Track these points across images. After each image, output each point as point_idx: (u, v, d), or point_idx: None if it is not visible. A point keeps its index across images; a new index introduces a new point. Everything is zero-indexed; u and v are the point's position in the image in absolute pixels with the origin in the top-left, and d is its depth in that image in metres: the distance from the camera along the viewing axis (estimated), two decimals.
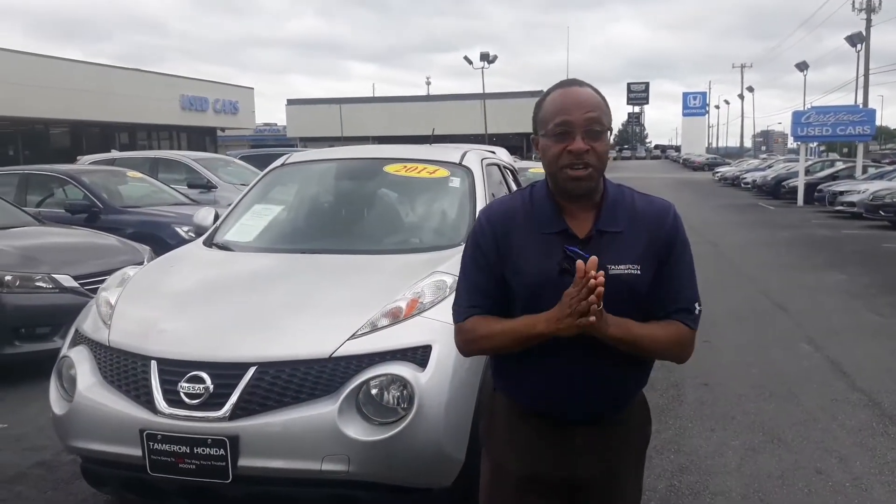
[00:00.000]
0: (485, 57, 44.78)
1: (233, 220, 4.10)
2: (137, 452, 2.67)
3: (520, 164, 17.82)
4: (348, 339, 2.74)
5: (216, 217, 4.24)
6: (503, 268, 1.70)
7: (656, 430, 4.34)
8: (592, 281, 1.50)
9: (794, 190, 23.70)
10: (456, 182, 4.00)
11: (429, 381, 2.66)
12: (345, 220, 4.09)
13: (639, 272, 1.66)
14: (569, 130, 1.63)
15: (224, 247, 3.85)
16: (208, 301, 3.16)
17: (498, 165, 4.83)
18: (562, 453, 1.75)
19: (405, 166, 4.14)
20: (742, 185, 32.52)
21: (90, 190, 8.74)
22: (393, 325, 2.82)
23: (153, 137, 36.24)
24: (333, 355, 2.69)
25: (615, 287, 1.59)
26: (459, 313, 1.75)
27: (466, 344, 1.76)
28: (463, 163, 4.14)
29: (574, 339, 1.61)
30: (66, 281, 5.47)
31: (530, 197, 1.75)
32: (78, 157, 13.54)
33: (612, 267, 1.62)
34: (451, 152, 4.35)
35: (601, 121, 1.65)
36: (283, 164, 4.47)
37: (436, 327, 2.76)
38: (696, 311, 1.75)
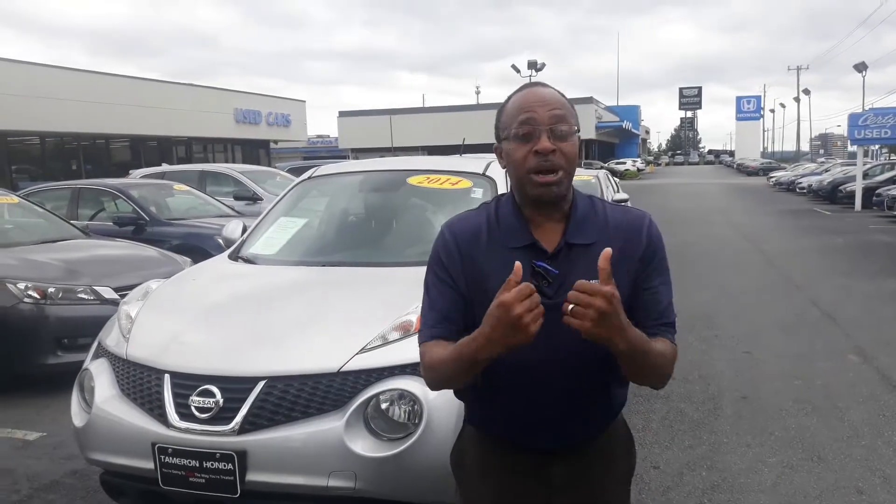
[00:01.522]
0: (532, 65, 44.59)
1: (259, 233, 4.14)
2: (150, 465, 2.70)
3: None
4: (357, 353, 2.72)
5: (244, 230, 4.29)
6: (468, 288, 1.57)
7: (688, 446, 4.24)
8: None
9: (852, 194, 22.92)
10: (479, 193, 3.96)
11: (438, 397, 2.61)
12: (367, 233, 4.10)
13: None
14: (533, 129, 1.52)
15: (248, 260, 3.89)
16: (225, 315, 3.18)
17: None
18: (538, 487, 1.64)
19: (428, 178, 4.12)
20: (797, 189, 31.63)
21: (137, 203, 8.99)
22: (403, 339, 2.79)
23: (208, 150, 37.13)
24: (342, 370, 2.67)
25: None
26: (421, 335, 1.62)
27: (428, 375, 1.59)
28: (486, 173, 4.10)
29: (543, 360, 1.52)
30: (107, 293, 5.60)
31: (496, 210, 1.63)
32: (130, 171, 13.95)
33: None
34: (475, 163, 4.32)
35: (567, 120, 1.54)
36: (310, 177, 4.51)
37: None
38: (674, 324, 1.62)
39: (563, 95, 1.59)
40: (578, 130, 1.59)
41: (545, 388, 1.57)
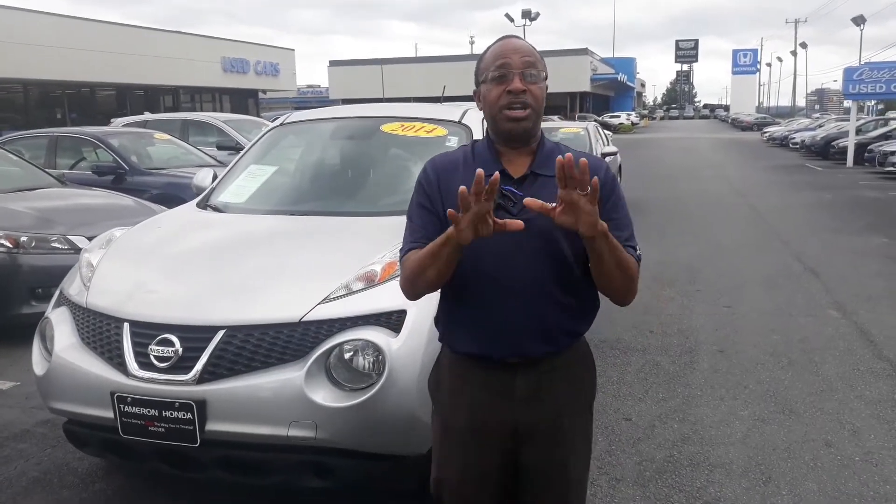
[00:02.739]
0: (526, 14, 43.93)
1: (229, 181, 4.05)
2: (110, 414, 2.67)
3: (558, 123, 17.55)
4: (319, 304, 2.67)
5: (214, 178, 4.20)
6: (444, 209, 1.70)
7: (662, 398, 4.25)
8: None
9: (844, 150, 22.75)
10: (454, 141, 3.86)
11: (401, 347, 2.59)
12: (338, 181, 4.01)
13: None
14: (507, 72, 1.73)
15: (216, 208, 3.80)
16: (188, 264, 3.12)
17: None
18: (503, 401, 1.80)
19: (402, 125, 4.02)
20: (790, 145, 31.46)
21: (117, 152, 8.83)
22: (367, 289, 2.74)
23: (196, 100, 36.58)
24: (303, 319, 2.62)
25: (549, 225, 1.60)
26: (402, 251, 1.81)
27: (405, 281, 1.78)
28: (462, 121, 4.01)
29: (505, 275, 1.71)
30: (81, 242, 5.50)
31: (472, 149, 1.86)
32: (111, 120, 13.71)
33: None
34: (451, 110, 4.21)
35: (536, 66, 1.76)
36: (282, 124, 4.39)
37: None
38: (638, 253, 1.78)
39: (535, 48, 1.81)
40: (546, 78, 1.80)
41: (505, 301, 1.74)
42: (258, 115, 24.34)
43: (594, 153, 11.77)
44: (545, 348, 1.78)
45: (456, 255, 1.62)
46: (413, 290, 1.78)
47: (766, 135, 39.94)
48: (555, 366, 1.81)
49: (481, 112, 1.85)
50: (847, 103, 26.38)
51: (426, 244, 1.69)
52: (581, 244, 1.65)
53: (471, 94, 1.93)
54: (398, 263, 2.82)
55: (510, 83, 1.72)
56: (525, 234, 1.58)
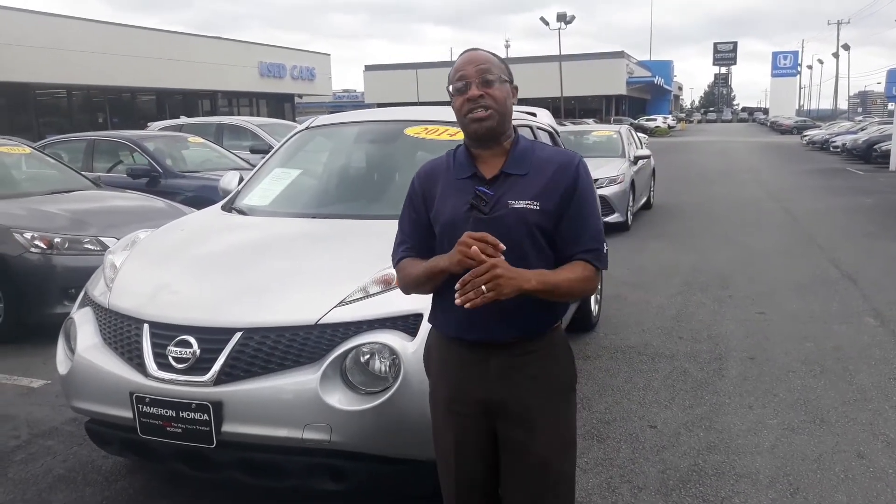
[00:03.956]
0: (561, 17, 43.62)
1: (254, 184, 4.08)
2: (129, 414, 2.70)
3: (591, 126, 17.41)
4: (336, 306, 2.67)
5: (241, 181, 4.23)
6: (429, 216, 1.98)
7: (688, 406, 4.17)
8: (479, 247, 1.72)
9: (887, 154, 22.18)
10: None
11: (417, 351, 2.56)
12: (361, 185, 4.01)
13: (537, 207, 1.86)
14: (464, 84, 1.90)
15: (241, 211, 3.83)
16: (209, 266, 3.14)
17: (531, 127, 4.64)
18: (477, 376, 1.93)
19: (426, 129, 4.00)
20: (831, 148, 30.75)
21: (151, 155, 8.98)
22: (384, 293, 2.73)
23: (233, 104, 37.14)
24: (319, 322, 2.62)
25: (516, 220, 1.85)
26: (395, 257, 2.06)
27: (402, 283, 2.04)
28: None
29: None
30: (113, 243, 5.60)
31: (454, 154, 2.02)
32: (148, 124, 13.96)
33: (513, 202, 1.86)
34: None
35: (492, 71, 1.90)
36: (307, 128, 4.42)
37: (428, 296, 2.64)
38: (602, 250, 1.93)
39: (495, 55, 1.97)
40: (510, 82, 1.96)
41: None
42: (294, 120, 24.62)
43: (627, 157, 11.65)
44: (514, 333, 1.90)
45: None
46: (412, 291, 2.04)
47: (806, 138, 39.13)
48: (527, 350, 1.92)
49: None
50: (891, 106, 25.73)
51: (415, 252, 1.99)
52: (548, 235, 1.88)
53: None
54: None
55: (468, 92, 1.89)
56: (493, 230, 1.77)
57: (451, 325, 1.95)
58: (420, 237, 2.00)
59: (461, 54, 1.99)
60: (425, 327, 2.61)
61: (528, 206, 1.85)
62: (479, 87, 1.88)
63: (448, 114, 4.34)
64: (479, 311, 1.79)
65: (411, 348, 2.57)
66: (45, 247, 5.41)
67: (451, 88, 1.94)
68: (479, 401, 1.94)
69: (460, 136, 3.98)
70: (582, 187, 1.91)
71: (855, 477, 3.34)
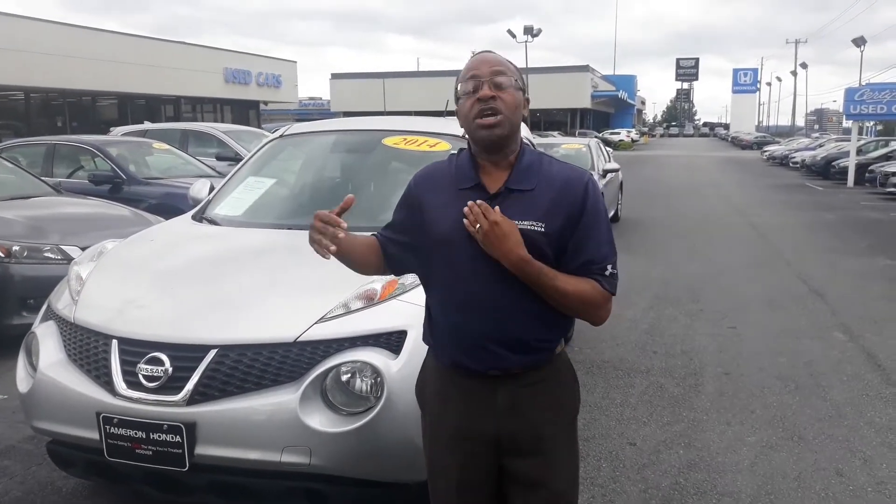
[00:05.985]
0: (528, 30, 43.94)
1: (225, 193, 3.95)
2: (95, 436, 2.55)
3: (558, 139, 17.47)
4: (316, 323, 2.56)
5: (211, 189, 4.10)
6: (421, 222, 1.84)
7: (667, 422, 4.13)
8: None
9: (845, 170, 22.69)
10: None
11: (401, 369, 2.47)
12: (337, 195, 3.87)
13: (542, 229, 1.73)
14: (477, 83, 1.76)
15: (212, 221, 3.70)
16: (180, 279, 3.01)
17: None
18: (485, 409, 1.81)
19: (405, 139, 3.92)
20: (791, 164, 31.42)
21: (114, 161, 8.73)
22: (366, 308, 2.64)
23: (197, 110, 36.55)
24: (299, 339, 2.51)
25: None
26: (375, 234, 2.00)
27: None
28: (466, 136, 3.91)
29: (474, 291, 1.74)
30: (74, 252, 5.39)
31: (456, 159, 1.89)
32: (111, 129, 13.63)
33: (518, 222, 1.71)
34: (455, 124, 4.11)
35: (506, 73, 1.78)
36: (282, 136, 4.30)
37: (413, 311, 2.54)
38: (609, 273, 1.79)
39: (510, 62, 1.84)
40: (524, 91, 1.83)
41: (475, 316, 1.76)
42: (259, 127, 24.25)
43: (596, 170, 11.69)
44: (522, 360, 1.79)
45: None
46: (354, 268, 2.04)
47: (766, 154, 39.95)
48: (535, 380, 1.82)
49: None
50: (847, 123, 26.37)
51: (388, 234, 1.95)
52: (554, 258, 1.75)
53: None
54: (398, 282, 2.76)
55: (479, 92, 1.76)
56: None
57: (450, 351, 1.84)
58: (400, 227, 1.93)
59: (474, 55, 1.87)
60: (409, 345, 2.53)
61: (533, 228, 1.73)
62: (490, 87, 1.75)
63: (426, 124, 4.30)
64: (485, 333, 1.73)
65: (395, 367, 2.48)
66: (2, 255, 5.19)
67: (459, 89, 1.81)
68: (488, 436, 1.82)
69: (440, 147, 3.94)
70: (591, 207, 1.77)
71: (835, 495, 3.33)
